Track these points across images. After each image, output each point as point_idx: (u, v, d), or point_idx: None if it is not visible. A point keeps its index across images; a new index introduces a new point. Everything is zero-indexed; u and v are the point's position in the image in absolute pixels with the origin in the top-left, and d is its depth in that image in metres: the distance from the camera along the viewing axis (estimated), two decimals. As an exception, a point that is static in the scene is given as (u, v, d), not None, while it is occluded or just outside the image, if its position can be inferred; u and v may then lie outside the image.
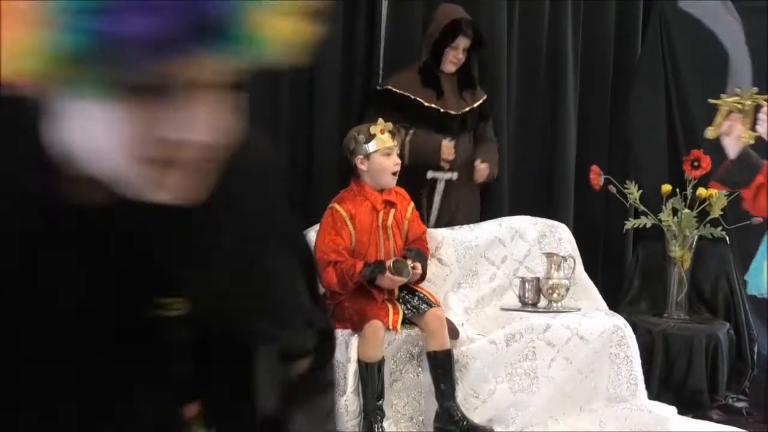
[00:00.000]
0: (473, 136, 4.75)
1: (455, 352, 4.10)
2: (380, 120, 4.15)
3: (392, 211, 4.17)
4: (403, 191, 4.28)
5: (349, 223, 4.08)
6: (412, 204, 4.27)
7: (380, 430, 3.93)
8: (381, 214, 4.14)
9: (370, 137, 4.11)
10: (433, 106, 4.61)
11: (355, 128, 4.19)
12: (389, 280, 3.99)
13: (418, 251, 4.16)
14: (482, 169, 4.62)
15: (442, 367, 4.00)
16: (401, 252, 4.17)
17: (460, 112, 4.67)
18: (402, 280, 4.00)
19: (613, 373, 4.28)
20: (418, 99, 4.58)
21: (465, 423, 3.96)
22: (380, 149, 4.10)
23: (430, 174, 4.56)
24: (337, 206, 4.12)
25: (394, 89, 4.59)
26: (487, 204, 4.87)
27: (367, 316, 3.93)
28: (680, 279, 4.88)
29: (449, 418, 3.97)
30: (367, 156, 4.10)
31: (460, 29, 4.58)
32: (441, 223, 4.60)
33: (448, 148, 4.54)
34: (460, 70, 4.69)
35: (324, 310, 1.43)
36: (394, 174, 4.13)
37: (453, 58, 4.63)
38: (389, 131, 4.14)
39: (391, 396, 4.06)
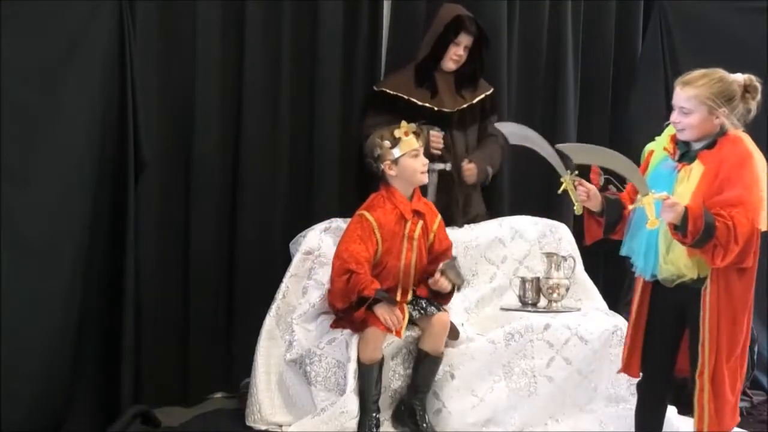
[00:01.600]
0: (477, 132, 4.75)
1: (454, 352, 4.10)
2: (403, 122, 4.11)
3: (420, 222, 4.12)
4: (431, 204, 4.25)
5: (377, 231, 4.04)
6: (439, 217, 4.22)
7: (377, 428, 3.94)
8: (409, 224, 4.09)
9: (396, 141, 4.07)
10: (426, 105, 4.62)
11: (377, 133, 4.14)
12: (386, 312, 3.89)
13: (450, 263, 4.11)
14: (468, 170, 4.60)
15: (427, 368, 4.00)
16: (424, 269, 4.14)
17: (455, 110, 4.67)
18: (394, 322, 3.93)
19: (613, 373, 4.27)
20: (411, 99, 4.60)
21: (426, 426, 3.97)
22: (407, 152, 4.07)
23: None
24: (366, 214, 4.07)
25: (388, 91, 4.61)
26: (487, 204, 4.87)
27: (369, 322, 3.92)
28: (680, 279, 4.87)
29: (411, 415, 3.98)
30: (395, 161, 4.07)
31: (464, 25, 4.60)
32: (451, 222, 4.57)
33: (435, 137, 4.55)
34: (461, 68, 4.70)
35: None
36: (422, 173, 4.09)
37: (454, 55, 4.64)
38: (413, 132, 4.10)
39: (390, 395, 4.07)
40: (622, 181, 4.88)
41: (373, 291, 3.87)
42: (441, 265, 4.03)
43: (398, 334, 3.94)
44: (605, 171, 4.99)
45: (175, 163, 4.45)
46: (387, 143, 4.06)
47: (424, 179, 4.14)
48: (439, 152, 4.57)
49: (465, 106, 4.71)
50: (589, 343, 4.21)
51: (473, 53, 4.70)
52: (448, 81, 4.69)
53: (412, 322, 4.09)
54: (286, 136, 4.67)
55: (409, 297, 4.12)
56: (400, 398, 4.07)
